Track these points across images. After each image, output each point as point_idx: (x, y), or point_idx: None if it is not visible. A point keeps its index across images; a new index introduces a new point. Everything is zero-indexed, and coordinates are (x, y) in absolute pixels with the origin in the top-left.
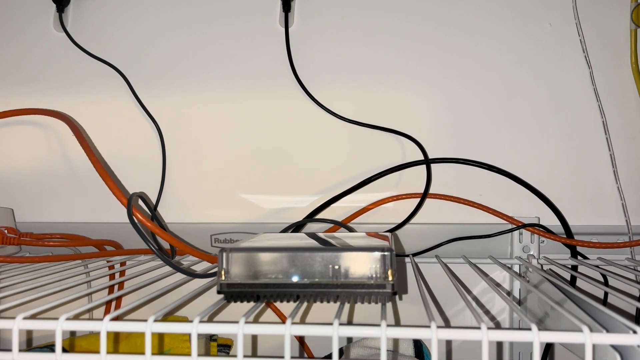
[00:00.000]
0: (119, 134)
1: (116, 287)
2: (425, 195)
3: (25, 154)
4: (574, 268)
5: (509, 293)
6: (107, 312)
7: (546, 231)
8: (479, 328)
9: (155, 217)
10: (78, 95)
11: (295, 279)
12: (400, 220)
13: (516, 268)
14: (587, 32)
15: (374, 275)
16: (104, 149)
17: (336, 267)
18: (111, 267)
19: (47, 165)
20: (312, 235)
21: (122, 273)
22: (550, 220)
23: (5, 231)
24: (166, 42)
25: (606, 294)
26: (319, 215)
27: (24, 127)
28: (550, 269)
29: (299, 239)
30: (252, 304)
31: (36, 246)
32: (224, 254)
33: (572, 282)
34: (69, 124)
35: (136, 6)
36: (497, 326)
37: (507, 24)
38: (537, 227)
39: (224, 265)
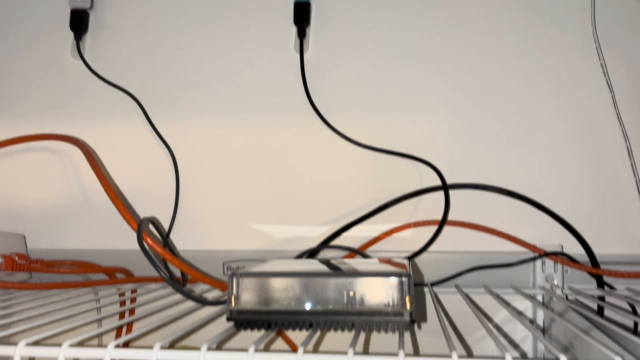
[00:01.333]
0: (133, 159)
1: (126, 313)
2: (443, 222)
3: (39, 180)
4: (601, 298)
5: (531, 322)
6: (117, 339)
7: (570, 260)
8: (502, 358)
9: (167, 243)
10: (93, 120)
11: (308, 306)
12: (417, 249)
13: (539, 298)
14: (607, 56)
15: (391, 303)
16: (117, 175)
17: (351, 293)
18: (121, 295)
19: (60, 191)
20: (326, 262)
21: (132, 300)
22: (574, 248)
23: (16, 258)
24: (181, 69)
25: (636, 323)
26: (334, 243)
27: (38, 153)
28: (576, 299)
29: (312, 265)
30: (262, 331)
31: (47, 273)
32: (234, 279)
33: (599, 312)
34: (82, 148)
35: (151, 34)
36: (523, 356)
37: (527, 47)
38: (560, 256)
39: (234, 291)
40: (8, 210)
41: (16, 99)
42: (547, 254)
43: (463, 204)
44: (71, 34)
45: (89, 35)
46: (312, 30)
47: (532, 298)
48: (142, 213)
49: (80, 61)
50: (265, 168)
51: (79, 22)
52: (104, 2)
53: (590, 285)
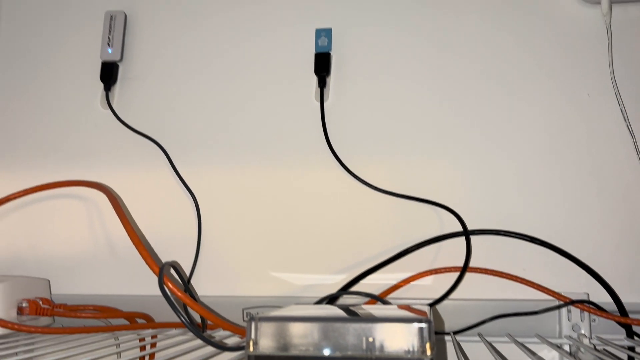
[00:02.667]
0: (157, 205)
1: (146, 358)
2: (465, 269)
3: (65, 225)
4: (631, 349)
5: None
6: None
7: (597, 308)
8: None
9: (187, 288)
10: (119, 167)
11: (326, 351)
12: (438, 296)
13: (566, 348)
14: (627, 101)
15: (411, 349)
16: (141, 220)
17: (370, 339)
18: (141, 340)
19: (85, 237)
20: (345, 308)
21: (152, 345)
22: (601, 296)
23: (40, 302)
24: (205, 117)
25: None
26: (354, 290)
27: (65, 200)
28: (604, 349)
29: (331, 311)
30: None
31: (69, 317)
32: (253, 324)
33: None
34: (107, 194)
35: (176, 84)
36: None
37: (546, 93)
38: (587, 304)
39: (253, 336)
40: (34, 255)
41: (47, 147)
42: (572, 302)
43: (485, 250)
44: (101, 85)
45: (118, 85)
46: (332, 80)
47: (558, 348)
48: (164, 258)
49: (109, 111)
50: (285, 214)
51: (109, 73)
52: (133, 54)
53: (619, 335)
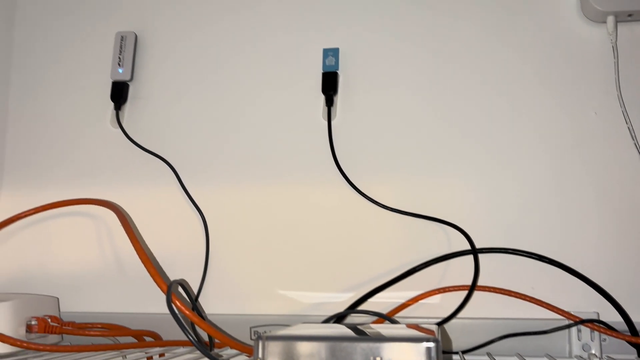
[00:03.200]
0: (166, 223)
1: None
2: (473, 287)
3: (74, 243)
4: None
5: None
6: None
7: (607, 328)
8: None
9: (195, 307)
10: (129, 185)
11: None
12: (447, 315)
13: None
14: (634, 119)
15: None
16: (149, 238)
17: (378, 359)
18: (149, 359)
19: (93, 255)
20: (353, 327)
21: None
22: (611, 315)
23: (49, 320)
24: (213, 136)
25: None
26: (361, 308)
27: (74, 217)
28: None
29: (339, 330)
30: None
31: (77, 335)
32: (261, 342)
33: None
34: (116, 212)
35: (185, 103)
36: None
37: (553, 112)
38: (597, 324)
39: (260, 355)
40: (44, 272)
41: (58, 165)
42: (582, 322)
43: (493, 269)
44: (111, 104)
45: (128, 104)
46: (339, 98)
47: None
48: (173, 275)
49: (119, 129)
50: (293, 232)
51: (119, 93)
52: (143, 74)
53: (630, 355)
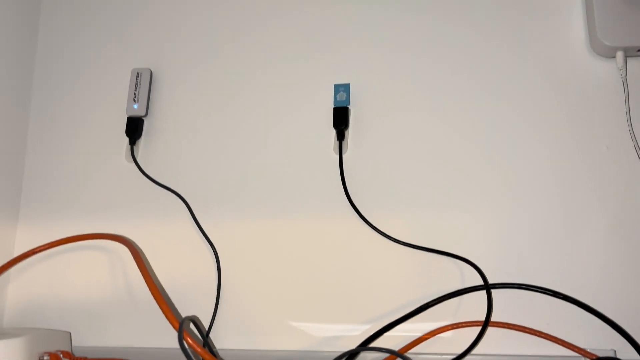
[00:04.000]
0: (178, 257)
1: None
2: (486, 323)
3: (87, 277)
4: None
5: None
6: None
7: None
8: None
9: (207, 343)
10: (142, 219)
11: None
12: (460, 350)
13: None
14: None
15: None
16: (162, 272)
17: None
18: None
19: (106, 289)
20: None
21: None
22: (628, 352)
23: (61, 355)
24: (226, 169)
25: None
26: (373, 344)
27: (88, 252)
28: None
29: None
30: None
31: None
32: None
33: None
34: (130, 247)
35: (199, 138)
36: None
37: (563, 145)
38: None
39: None
40: (57, 306)
41: (74, 199)
42: (599, 359)
43: (507, 304)
44: (126, 139)
45: (143, 139)
46: (350, 133)
47: None
48: (184, 309)
49: (134, 164)
50: (305, 266)
51: (134, 128)
52: (158, 109)
53: None
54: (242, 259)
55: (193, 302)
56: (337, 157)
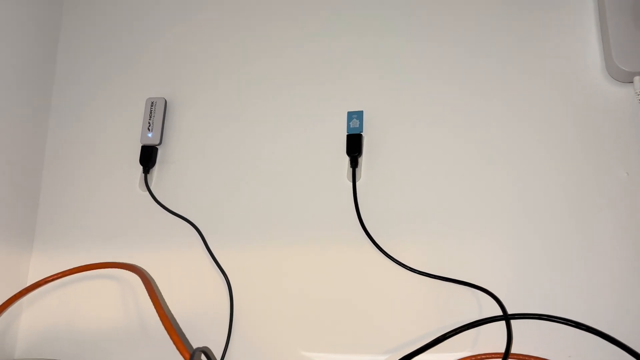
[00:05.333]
0: (190, 285)
1: None
2: (506, 355)
3: (100, 307)
4: None
5: None
6: None
7: None
8: None
9: None
10: (155, 247)
11: None
12: None
13: None
14: None
15: None
16: (174, 300)
17: None
18: None
19: (118, 318)
20: None
21: None
22: None
23: None
24: (239, 198)
25: None
26: None
27: (100, 281)
28: None
29: None
30: None
31: None
32: None
33: None
34: (142, 277)
35: (212, 166)
36: None
37: (581, 171)
38: None
39: None
40: (69, 337)
41: (88, 227)
42: None
43: (527, 335)
44: (140, 167)
45: (157, 168)
46: (364, 160)
47: None
48: (197, 338)
49: (147, 192)
50: (318, 294)
51: (148, 157)
52: (172, 138)
53: None
54: (255, 287)
55: (205, 332)
56: (351, 184)
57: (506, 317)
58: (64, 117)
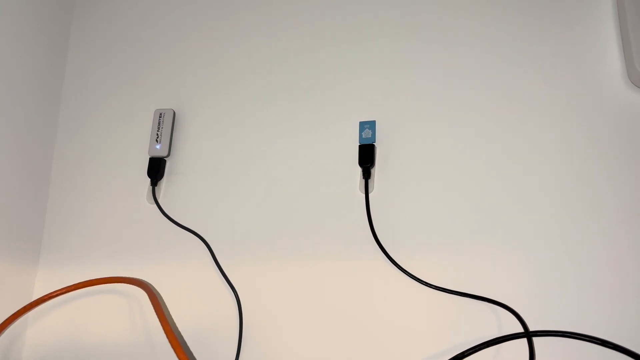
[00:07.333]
0: (199, 300)
1: None
2: None
3: (106, 322)
4: None
5: None
6: None
7: None
8: None
9: None
10: (163, 261)
11: None
12: None
13: None
14: None
15: None
16: (182, 315)
17: None
18: None
19: (126, 334)
20: None
21: None
22: None
23: None
24: (249, 211)
25: None
26: None
27: (107, 296)
28: None
29: None
30: None
31: None
32: None
33: None
34: (148, 292)
35: (221, 179)
36: None
37: (601, 182)
38: None
39: None
40: (74, 354)
41: (94, 241)
42: None
43: (550, 354)
44: (148, 180)
45: (165, 180)
46: (376, 171)
47: None
48: (205, 355)
49: (155, 205)
50: (329, 310)
51: (156, 169)
52: (180, 150)
53: None
54: (265, 303)
55: (213, 349)
56: (364, 196)
57: (528, 335)
58: (72, 129)
